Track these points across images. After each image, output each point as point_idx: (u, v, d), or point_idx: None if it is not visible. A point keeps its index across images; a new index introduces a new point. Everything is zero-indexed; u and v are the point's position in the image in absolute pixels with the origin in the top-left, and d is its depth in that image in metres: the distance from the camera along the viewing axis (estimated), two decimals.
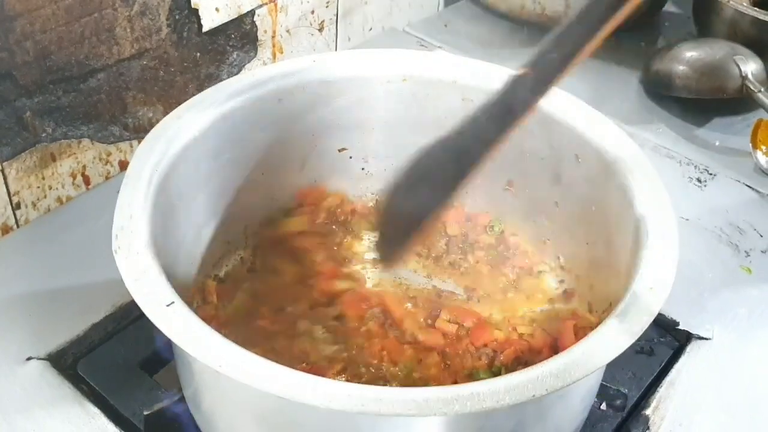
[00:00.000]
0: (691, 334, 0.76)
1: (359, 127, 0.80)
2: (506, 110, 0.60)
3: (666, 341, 0.76)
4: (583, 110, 0.71)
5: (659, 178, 0.64)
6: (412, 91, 0.77)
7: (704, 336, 0.76)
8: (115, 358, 0.70)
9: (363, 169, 0.83)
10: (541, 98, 0.60)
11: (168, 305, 0.52)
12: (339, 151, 0.81)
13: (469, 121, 0.60)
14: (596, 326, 0.66)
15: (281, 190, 0.80)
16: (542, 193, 0.75)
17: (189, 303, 0.66)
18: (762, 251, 0.86)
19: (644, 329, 0.52)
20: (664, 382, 0.72)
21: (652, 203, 0.63)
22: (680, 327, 0.77)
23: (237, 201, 0.74)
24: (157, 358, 0.70)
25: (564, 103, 0.72)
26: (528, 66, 0.59)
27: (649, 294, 0.55)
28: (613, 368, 0.72)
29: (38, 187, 0.85)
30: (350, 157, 0.82)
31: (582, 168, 0.69)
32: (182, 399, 0.64)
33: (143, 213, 0.58)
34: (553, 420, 0.58)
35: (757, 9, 1.12)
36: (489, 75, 0.75)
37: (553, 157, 0.72)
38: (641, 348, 0.75)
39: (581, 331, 0.67)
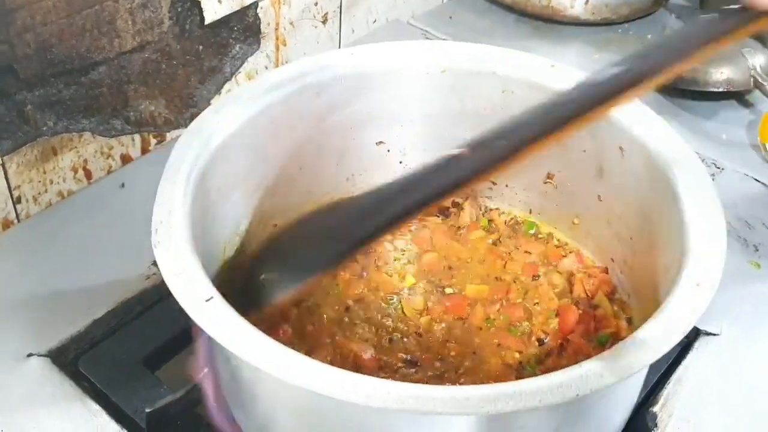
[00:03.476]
0: (699, 330, 0.76)
1: (397, 120, 0.79)
2: (430, 186, 0.60)
3: None
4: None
5: (706, 173, 0.63)
6: (450, 84, 0.76)
7: (712, 332, 0.75)
8: (117, 355, 0.70)
9: (401, 162, 0.81)
10: (475, 181, 0.61)
11: (207, 300, 0.51)
12: (377, 144, 0.80)
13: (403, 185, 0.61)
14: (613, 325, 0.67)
15: (317, 186, 0.79)
16: (584, 186, 0.73)
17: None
18: None
19: (690, 327, 0.52)
20: (671, 378, 0.71)
21: (699, 200, 0.61)
22: None
23: (273, 197, 0.74)
24: (160, 354, 0.70)
25: None
26: (470, 147, 0.59)
27: (696, 291, 0.54)
28: None
29: (39, 182, 0.84)
30: (388, 151, 0.80)
31: (626, 162, 0.68)
32: (185, 396, 0.63)
33: (182, 208, 0.58)
34: (596, 418, 0.57)
35: None
36: (530, 66, 0.73)
37: (595, 149, 0.70)
38: None
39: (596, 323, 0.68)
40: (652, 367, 0.71)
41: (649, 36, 1.21)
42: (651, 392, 0.70)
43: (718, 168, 0.96)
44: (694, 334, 0.75)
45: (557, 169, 0.76)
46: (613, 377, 0.48)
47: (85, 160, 0.88)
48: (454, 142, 0.76)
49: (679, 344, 0.73)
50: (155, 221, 0.57)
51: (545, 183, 0.77)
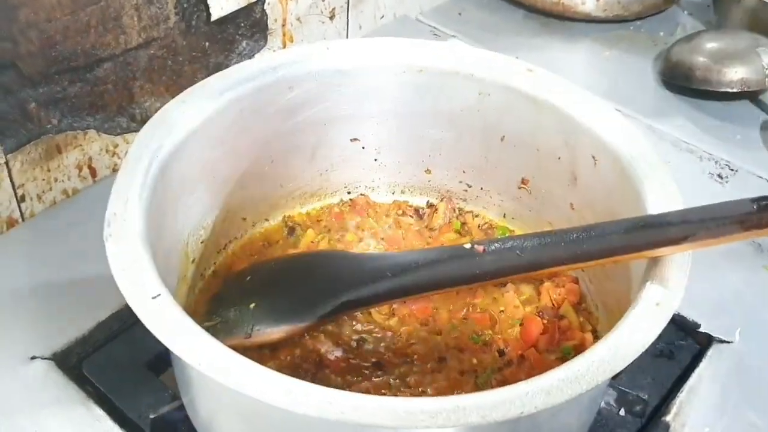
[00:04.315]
0: (712, 337, 0.74)
1: (372, 117, 0.78)
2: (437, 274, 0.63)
3: (687, 344, 0.74)
4: (602, 110, 0.68)
5: (676, 185, 0.61)
6: (427, 83, 0.75)
7: (726, 339, 0.74)
8: (121, 358, 0.69)
9: (376, 160, 0.81)
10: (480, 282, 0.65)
11: (154, 297, 0.50)
12: (351, 141, 0.79)
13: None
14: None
15: (289, 180, 0.78)
16: (558, 194, 0.73)
17: (183, 296, 0.66)
18: None
19: (644, 349, 0.50)
20: (685, 387, 0.70)
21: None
22: (701, 330, 0.75)
23: (242, 190, 0.73)
24: (164, 358, 0.68)
25: (580, 101, 0.69)
26: (487, 245, 0.62)
27: (654, 311, 0.52)
28: (632, 372, 0.70)
29: (43, 180, 0.83)
30: (363, 148, 0.80)
31: (598, 170, 0.67)
32: None
33: (139, 201, 0.57)
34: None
35: None
36: (507, 69, 0.72)
37: (570, 157, 0.70)
38: (661, 351, 0.73)
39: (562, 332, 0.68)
40: (664, 375, 0.71)
41: (661, 33, 1.19)
42: (663, 401, 0.69)
43: (732, 170, 0.95)
44: (707, 342, 0.74)
45: (532, 175, 0.75)
46: (560, 396, 0.46)
47: (90, 158, 0.87)
48: (429, 141, 0.78)
49: (692, 352, 0.74)
50: (109, 214, 0.56)
51: (519, 188, 0.77)
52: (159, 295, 0.50)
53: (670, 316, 0.52)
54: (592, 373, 0.47)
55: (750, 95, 1.06)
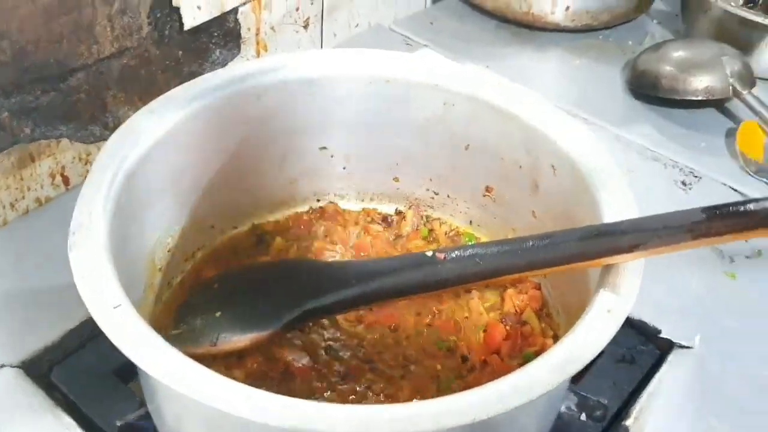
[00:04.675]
0: (673, 342, 0.76)
1: (340, 126, 0.79)
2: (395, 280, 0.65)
3: (647, 349, 0.76)
4: (562, 119, 0.70)
5: (632, 196, 0.63)
6: (394, 93, 0.76)
7: (686, 345, 0.76)
8: (90, 366, 0.69)
9: (345, 168, 0.82)
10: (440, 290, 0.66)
11: (115, 307, 0.51)
12: (320, 149, 0.80)
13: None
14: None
15: (258, 188, 0.79)
16: (521, 201, 0.74)
17: (150, 305, 0.67)
18: (746, 257, 0.86)
19: (594, 356, 0.51)
20: (644, 392, 0.71)
21: None
22: (662, 335, 0.76)
23: (210, 198, 0.74)
24: (132, 366, 0.68)
25: (543, 111, 0.71)
26: (447, 253, 0.64)
27: (605, 318, 0.53)
28: (593, 377, 0.72)
29: (16, 188, 0.83)
30: (331, 156, 0.81)
31: (558, 179, 0.69)
32: None
33: (104, 210, 0.58)
34: None
35: (746, 9, 1.12)
36: (470, 79, 0.74)
37: (530, 165, 0.71)
38: (622, 357, 0.74)
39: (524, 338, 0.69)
40: (625, 380, 0.72)
41: (630, 42, 1.21)
42: (624, 406, 0.70)
43: (696, 177, 0.96)
44: (668, 347, 0.76)
45: (496, 183, 0.77)
46: (512, 402, 0.47)
47: (63, 167, 0.87)
48: (397, 150, 0.79)
49: (652, 357, 0.75)
50: (74, 224, 0.56)
51: (485, 196, 0.78)
52: (120, 305, 0.51)
53: (621, 322, 0.53)
54: (542, 380, 0.49)
55: (715, 103, 1.08)
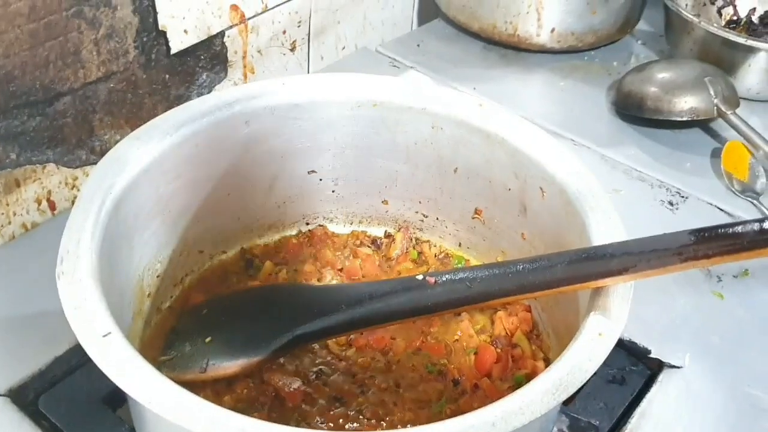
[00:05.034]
0: (663, 362, 0.76)
1: (329, 149, 0.79)
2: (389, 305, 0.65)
3: (638, 370, 0.76)
4: (549, 143, 0.70)
5: (619, 219, 0.63)
6: (382, 117, 0.77)
7: (676, 365, 0.76)
8: (78, 393, 0.68)
9: (333, 191, 0.82)
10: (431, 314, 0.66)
11: (104, 336, 0.51)
12: (308, 173, 0.80)
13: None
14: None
15: (247, 213, 0.79)
16: (510, 224, 0.75)
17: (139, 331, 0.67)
18: (734, 276, 0.86)
19: (584, 381, 0.51)
20: (635, 412, 0.71)
21: None
22: (652, 355, 0.76)
23: (198, 223, 0.73)
24: (121, 392, 0.68)
25: (530, 135, 0.71)
26: (438, 277, 0.64)
27: (596, 342, 0.53)
28: (584, 398, 0.72)
29: (2, 214, 0.83)
30: (320, 180, 0.81)
31: (546, 202, 0.69)
32: None
33: (92, 238, 0.57)
34: None
35: (728, 30, 1.13)
36: (459, 104, 0.74)
37: (519, 188, 0.72)
38: (613, 377, 0.74)
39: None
40: (616, 401, 0.72)
41: (615, 63, 1.22)
42: (615, 427, 0.70)
43: (682, 197, 0.97)
44: (658, 367, 0.76)
45: (484, 205, 0.77)
46: (504, 428, 0.47)
47: (49, 192, 0.87)
48: (386, 173, 0.80)
49: (642, 377, 0.75)
50: (62, 251, 0.56)
51: (473, 218, 0.78)
52: (109, 333, 0.50)
53: (612, 345, 0.53)
54: (535, 405, 0.49)
55: (700, 123, 1.09)
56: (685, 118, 1.05)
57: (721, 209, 0.96)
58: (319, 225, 0.83)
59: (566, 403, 0.69)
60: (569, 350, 0.53)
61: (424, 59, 1.18)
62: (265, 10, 1.02)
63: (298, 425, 0.63)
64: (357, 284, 0.74)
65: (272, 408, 0.65)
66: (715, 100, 1.04)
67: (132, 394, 0.48)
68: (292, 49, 1.10)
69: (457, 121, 0.74)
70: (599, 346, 0.53)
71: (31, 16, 0.76)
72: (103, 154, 0.89)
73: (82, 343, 0.50)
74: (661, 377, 0.75)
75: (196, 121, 0.69)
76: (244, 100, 0.72)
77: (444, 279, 0.63)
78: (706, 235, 0.54)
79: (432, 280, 0.63)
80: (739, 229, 0.53)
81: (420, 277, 0.64)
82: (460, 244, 0.81)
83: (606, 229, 0.62)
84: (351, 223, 0.84)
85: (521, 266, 0.60)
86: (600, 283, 0.57)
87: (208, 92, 1.00)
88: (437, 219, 0.81)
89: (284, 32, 1.07)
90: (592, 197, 0.64)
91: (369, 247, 0.82)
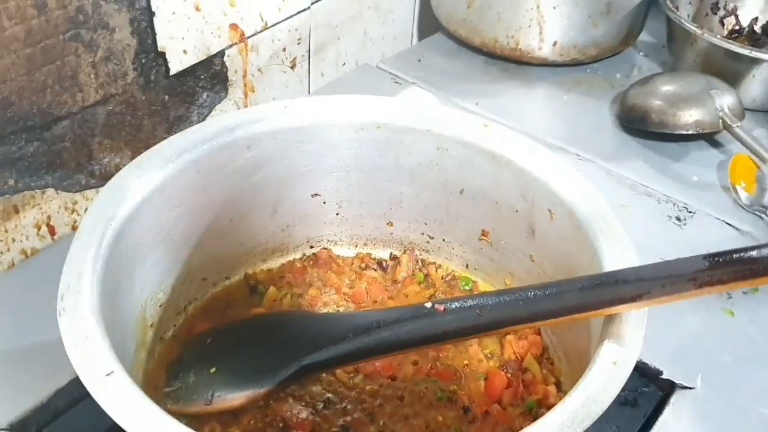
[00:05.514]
0: (674, 383, 0.75)
1: (332, 173, 0.78)
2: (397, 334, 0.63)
3: (650, 391, 0.75)
4: (556, 164, 0.69)
5: (630, 242, 0.62)
6: (386, 139, 0.76)
7: (688, 385, 0.75)
8: (82, 427, 0.68)
9: (338, 214, 0.81)
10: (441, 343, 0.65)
11: (107, 375, 0.50)
12: (312, 196, 0.79)
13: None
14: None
15: (250, 238, 0.78)
16: (518, 246, 0.74)
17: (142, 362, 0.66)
18: (744, 292, 0.85)
19: (601, 413, 0.50)
20: None
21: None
22: (664, 376, 0.75)
23: (201, 250, 0.72)
24: None
25: (537, 156, 0.70)
26: (447, 304, 0.63)
27: (611, 371, 0.52)
28: (597, 422, 0.70)
29: (1, 241, 0.82)
30: (324, 203, 0.80)
31: (555, 224, 0.68)
32: None
33: (92, 272, 0.57)
34: None
35: (730, 41, 1.12)
36: (464, 125, 0.73)
37: (527, 210, 0.71)
38: (625, 399, 0.73)
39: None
40: (628, 424, 0.71)
41: (618, 75, 1.21)
42: None
43: (690, 212, 0.96)
44: (670, 388, 0.75)
45: (491, 227, 0.76)
46: None
47: (49, 217, 0.86)
48: (390, 195, 0.79)
49: (655, 399, 0.74)
50: (62, 287, 0.56)
51: (480, 240, 0.77)
52: (112, 372, 0.49)
53: (628, 374, 0.52)
54: None
55: (706, 136, 1.08)
56: (690, 131, 1.04)
57: (729, 224, 0.95)
58: (324, 248, 0.82)
59: None
60: (584, 380, 0.52)
61: (425, 75, 1.17)
62: (265, 28, 1.01)
63: None
64: (364, 312, 0.72)
65: None
66: (720, 113, 1.03)
67: None
68: (293, 67, 1.09)
69: (462, 143, 0.73)
70: (614, 375, 0.52)
71: (28, 40, 0.75)
72: (102, 177, 0.89)
73: (85, 383, 0.49)
74: (673, 399, 0.74)
75: (197, 148, 0.68)
76: (245, 124, 0.71)
77: (453, 306, 0.62)
78: (720, 260, 0.53)
79: (441, 307, 0.62)
80: (754, 254, 0.52)
81: (429, 304, 0.63)
82: (467, 266, 0.80)
83: (617, 252, 0.61)
84: (356, 246, 0.83)
85: (532, 293, 0.59)
86: (613, 310, 0.56)
87: (209, 112, 0.99)
88: (443, 240, 0.80)
89: (284, 50, 1.06)
90: (602, 220, 0.63)
91: (374, 269, 0.81)
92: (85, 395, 0.69)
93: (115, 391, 0.49)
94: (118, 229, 0.60)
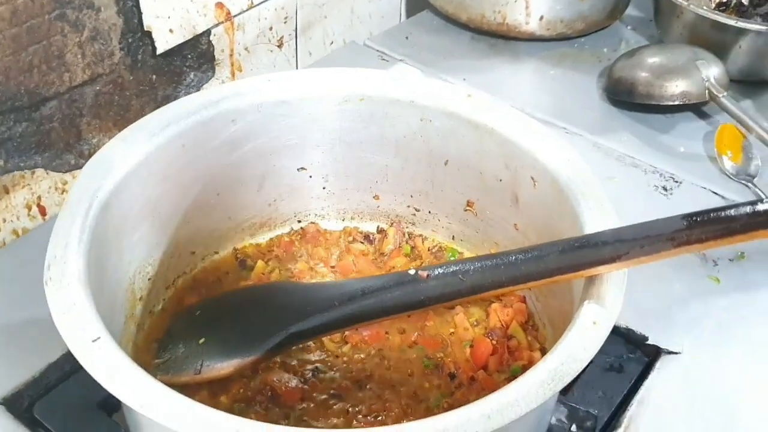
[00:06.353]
0: (660, 348, 0.76)
1: (318, 146, 0.78)
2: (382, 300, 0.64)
3: (635, 357, 0.75)
4: (539, 132, 0.70)
5: (611, 206, 0.63)
6: (370, 111, 0.76)
7: (674, 350, 0.76)
8: (73, 399, 0.68)
9: (324, 188, 0.82)
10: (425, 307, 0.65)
11: (94, 341, 0.50)
12: (298, 170, 0.80)
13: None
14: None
15: (237, 212, 0.78)
16: (502, 215, 0.74)
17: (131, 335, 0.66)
18: (730, 260, 0.86)
19: (579, 371, 0.51)
20: (634, 400, 0.71)
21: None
22: (649, 342, 0.76)
23: (189, 224, 0.73)
24: (115, 397, 0.68)
25: (520, 125, 0.71)
26: (430, 271, 0.63)
27: (590, 330, 0.53)
28: (582, 388, 0.71)
29: None
30: (310, 177, 0.80)
31: (538, 191, 0.68)
32: None
33: (79, 243, 0.57)
34: None
35: (717, 12, 1.12)
36: (448, 95, 0.74)
37: (510, 179, 0.71)
38: (610, 365, 0.74)
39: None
40: (614, 389, 0.72)
41: (605, 49, 1.22)
42: (614, 415, 0.70)
43: (676, 182, 0.96)
44: (656, 354, 0.75)
45: (476, 197, 0.77)
46: (500, 420, 0.47)
47: (39, 197, 0.86)
48: (376, 167, 0.79)
49: (640, 364, 0.75)
50: (49, 257, 0.56)
51: (466, 210, 0.78)
52: (99, 338, 0.50)
53: (607, 333, 0.53)
54: (530, 396, 0.48)
55: (692, 107, 1.08)
56: (676, 103, 1.05)
57: (716, 193, 0.95)
58: (311, 222, 0.83)
59: (564, 392, 0.69)
60: (563, 340, 0.52)
61: (413, 52, 1.18)
62: (251, 6, 1.01)
63: (296, 423, 0.63)
64: (349, 280, 0.73)
65: (269, 407, 0.64)
66: (707, 84, 1.04)
67: (123, 399, 0.47)
68: (280, 46, 1.09)
69: (445, 113, 0.73)
70: (594, 334, 0.52)
71: (13, 20, 0.75)
72: (91, 157, 0.89)
73: (71, 349, 0.50)
74: (659, 364, 0.75)
75: (181, 121, 0.69)
76: (229, 97, 0.72)
77: (437, 273, 0.62)
78: (698, 219, 0.54)
79: (425, 274, 0.63)
80: (731, 212, 0.53)
81: (412, 271, 0.64)
82: (453, 237, 0.81)
83: (598, 216, 0.61)
84: (343, 220, 0.83)
85: (513, 257, 0.60)
86: (593, 271, 0.56)
87: (196, 92, 0.98)
88: (429, 212, 0.81)
89: (271, 29, 1.06)
90: (584, 184, 0.64)
91: (362, 242, 0.81)
92: (77, 369, 0.70)
93: (101, 356, 0.50)
94: (104, 201, 0.61)
